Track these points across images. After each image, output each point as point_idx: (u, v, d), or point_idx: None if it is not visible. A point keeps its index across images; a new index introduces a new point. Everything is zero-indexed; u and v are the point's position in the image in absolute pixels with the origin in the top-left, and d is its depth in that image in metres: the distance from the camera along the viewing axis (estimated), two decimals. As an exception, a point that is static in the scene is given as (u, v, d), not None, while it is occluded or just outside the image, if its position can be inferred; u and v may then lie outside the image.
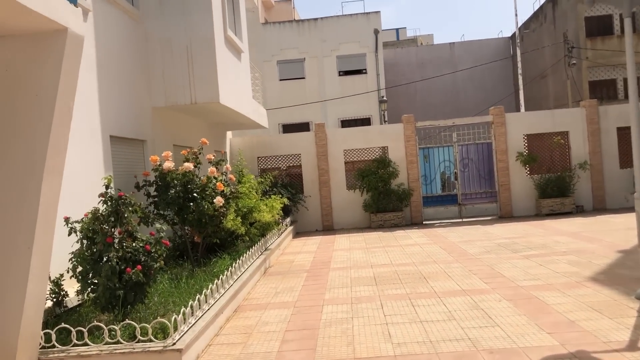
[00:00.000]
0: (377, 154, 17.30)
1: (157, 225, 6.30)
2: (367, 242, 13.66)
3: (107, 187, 6.24)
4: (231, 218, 9.74)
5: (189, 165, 8.51)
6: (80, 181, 7.53)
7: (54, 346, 5.31)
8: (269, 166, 17.65)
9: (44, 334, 5.34)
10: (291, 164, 17.60)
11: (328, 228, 17.26)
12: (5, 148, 4.88)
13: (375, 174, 16.75)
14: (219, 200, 8.50)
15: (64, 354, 5.20)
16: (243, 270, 8.78)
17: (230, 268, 8.05)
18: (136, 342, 5.28)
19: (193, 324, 5.88)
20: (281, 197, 12.12)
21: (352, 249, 12.68)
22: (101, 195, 6.21)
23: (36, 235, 4.88)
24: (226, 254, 9.79)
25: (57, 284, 6.19)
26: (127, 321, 5.33)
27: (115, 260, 5.81)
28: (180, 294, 7.14)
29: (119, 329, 5.29)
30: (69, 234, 6.02)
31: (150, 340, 5.28)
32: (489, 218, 16.78)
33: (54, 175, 5.04)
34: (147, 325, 5.30)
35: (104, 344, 5.28)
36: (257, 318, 7.08)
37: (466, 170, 17.46)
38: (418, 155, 17.15)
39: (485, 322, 6.17)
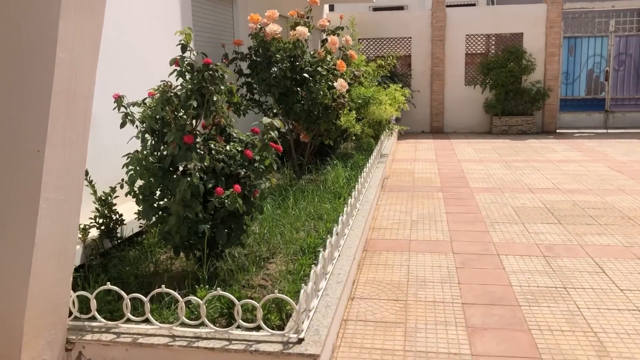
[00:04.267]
0: (507, 42, 13.87)
1: (266, 119, 3.75)
2: (498, 152, 10.80)
3: (184, 47, 3.68)
4: (344, 112, 7.14)
5: (304, 31, 5.80)
6: (146, 45, 5.04)
7: (93, 319, 3.07)
8: (372, 52, 14.62)
9: (78, 297, 3.08)
10: (398, 51, 14.47)
11: (437, 130, 14.39)
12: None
13: (504, 67, 13.45)
14: (341, 85, 5.84)
15: (109, 337, 2.95)
16: (366, 187, 6.30)
17: (356, 184, 5.55)
18: (234, 328, 2.93)
19: (322, 290, 3.49)
20: (402, 87, 9.29)
21: (484, 160, 9.89)
22: (175, 62, 3.67)
23: (51, 121, 2.46)
24: (337, 160, 7.30)
25: (105, 203, 3.89)
26: (219, 291, 2.94)
27: (198, 173, 3.39)
28: (290, 222, 4.77)
29: (204, 303, 2.92)
30: (123, 125, 3.59)
31: (259, 328, 2.92)
32: (645, 131, 13.35)
33: (82, 11, 2.51)
34: (255, 302, 2.89)
35: (179, 325, 2.97)
36: (403, 268, 4.63)
37: (621, 69, 13.79)
38: (562, 46, 13.59)
39: None
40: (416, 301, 3.99)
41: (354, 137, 8.63)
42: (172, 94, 3.45)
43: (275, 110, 6.66)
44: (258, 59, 6.11)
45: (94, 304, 3.02)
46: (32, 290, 2.60)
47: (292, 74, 6.03)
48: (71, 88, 2.54)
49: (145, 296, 3.01)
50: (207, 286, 3.28)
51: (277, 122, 3.80)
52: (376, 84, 9.03)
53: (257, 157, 3.85)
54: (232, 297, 2.91)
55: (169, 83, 3.50)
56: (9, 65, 2.41)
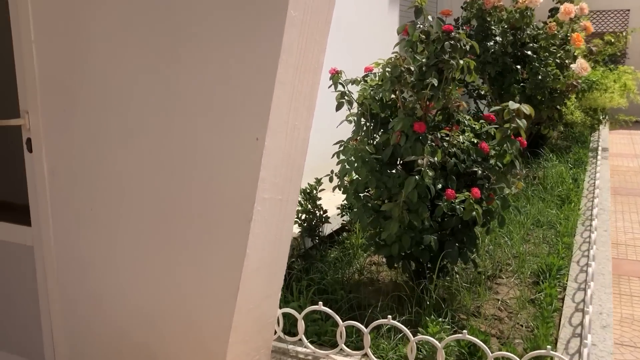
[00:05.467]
0: None
1: (512, 104, 2.90)
2: None
3: (418, 11, 2.94)
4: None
5: (535, -3, 4.79)
6: (352, 15, 4.44)
7: (299, 342, 2.52)
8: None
9: (282, 314, 2.56)
10: (610, 26, 12.44)
11: (654, 121, 12.18)
12: None
13: None
14: (582, 66, 4.73)
15: (319, 369, 2.38)
16: (598, 190, 5.14)
17: (593, 188, 4.47)
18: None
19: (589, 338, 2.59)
20: (635, 71, 7.72)
21: None
22: (404, 29, 2.96)
23: (275, 101, 1.89)
24: (551, 153, 6.18)
25: (309, 197, 3.36)
26: (466, 335, 2.20)
27: (429, 173, 2.66)
28: (515, 229, 3.90)
29: (442, 348, 2.20)
30: (339, 107, 2.99)
31: (516, 390, 2.14)
32: None
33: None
34: (515, 357, 2.11)
35: (406, 368, 2.31)
36: (668, 305, 3.52)
37: None
38: None
39: None
40: None
41: (562, 126, 7.38)
42: (402, 69, 2.75)
43: (483, 92, 5.74)
44: (473, 31, 5.21)
45: (301, 325, 2.47)
46: (238, 309, 2.10)
47: (513, 49, 5.05)
48: (299, 58, 1.95)
49: (361, 322, 2.40)
50: (439, 319, 2.56)
51: (526, 108, 2.93)
52: (602, 65, 7.60)
53: (493, 152, 3.04)
54: (480, 343, 2.16)
55: (401, 56, 2.81)
56: (236, 27, 1.87)
